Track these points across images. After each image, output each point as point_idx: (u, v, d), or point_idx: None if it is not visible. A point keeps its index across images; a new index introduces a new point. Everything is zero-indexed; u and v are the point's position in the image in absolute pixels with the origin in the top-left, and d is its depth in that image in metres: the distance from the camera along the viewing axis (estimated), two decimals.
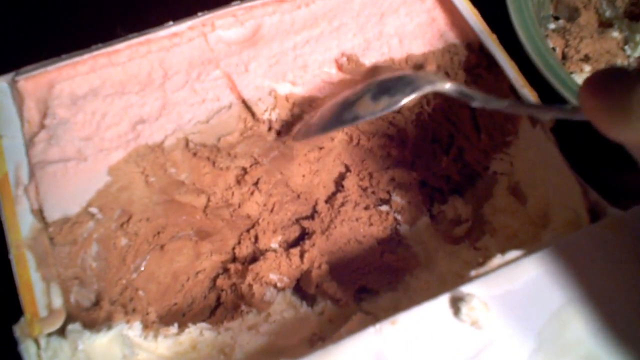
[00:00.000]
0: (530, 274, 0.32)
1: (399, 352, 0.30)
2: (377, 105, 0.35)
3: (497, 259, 0.33)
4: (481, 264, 0.33)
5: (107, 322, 0.34)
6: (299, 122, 0.40)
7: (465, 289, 0.31)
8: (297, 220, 0.47)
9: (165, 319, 0.42)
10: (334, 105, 0.38)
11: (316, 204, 0.47)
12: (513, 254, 0.33)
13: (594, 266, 0.32)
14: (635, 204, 0.34)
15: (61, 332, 0.32)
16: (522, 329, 0.30)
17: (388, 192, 0.47)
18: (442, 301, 0.31)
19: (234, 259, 0.45)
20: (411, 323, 0.31)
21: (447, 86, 0.35)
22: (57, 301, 0.33)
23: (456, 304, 0.31)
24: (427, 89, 0.35)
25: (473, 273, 0.33)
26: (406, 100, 0.35)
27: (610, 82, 0.24)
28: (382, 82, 0.37)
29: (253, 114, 0.39)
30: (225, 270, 0.45)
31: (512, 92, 0.40)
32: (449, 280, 0.41)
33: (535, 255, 0.32)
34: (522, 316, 0.31)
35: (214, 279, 0.45)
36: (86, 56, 0.40)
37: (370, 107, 0.35)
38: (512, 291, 0.31)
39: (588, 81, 0.25)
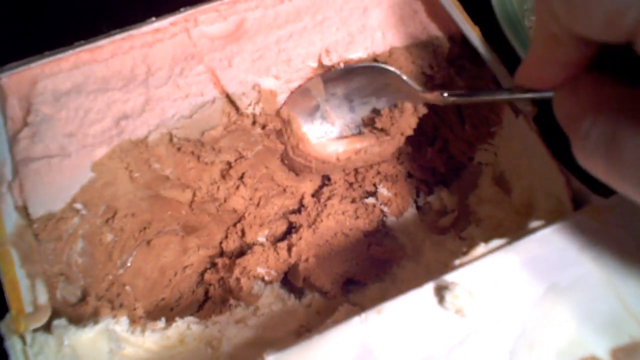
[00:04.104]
0: (514, 261, 0.32)
1: (385, 341, 0.30)
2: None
3: (481, 248, 0.33)
4: (465, 253, 0.33)
5: (93, 318, 0.34)
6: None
7: (450, 277, 0.32)
8: (284, 214, 0.47)
9: (153, 314, 0.42)
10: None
11: (303, 197, 0.47)
12: (496, 242, 0.33)
13: (577, 253, 0.32)
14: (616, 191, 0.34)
15: (47, 328, 0.32)
16: (506, 316, 0.30)
17: (374, 185, 0.47)
18: (427, 290, 0.31)
19: (221, 254, 0.46)
20: (396, 312, 0.31)
21: None
22: (43, 297, 0.33)
23: (440, 292, 0.31)
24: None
25: (457, 262, 0.33)
26: None
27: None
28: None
29: (237, 109, 0.39)
30: (213, 264, 0.45)
31: (495, 83, 0.41)
32: (435, 270, 0.41)
33: (518, 243, 0.33)
34: (507, 303, 0.31)
35: (202, 274, 0.45)
36: (69, 53, 0.40)
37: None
38: (496, 279, 0.32)
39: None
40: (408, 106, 0.40)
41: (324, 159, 0.43)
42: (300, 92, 0.41)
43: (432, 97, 0.38)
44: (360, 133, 0.43)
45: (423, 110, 0.41)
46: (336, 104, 0.42)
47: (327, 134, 0.43)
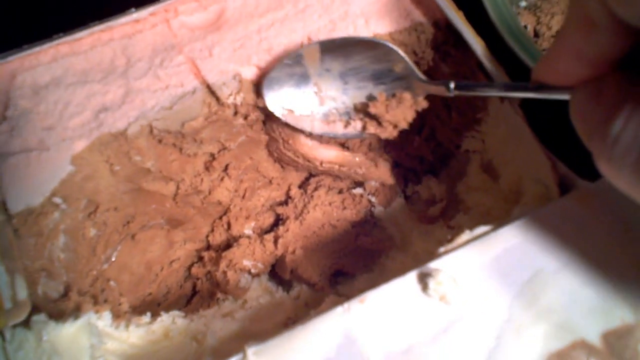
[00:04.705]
0: (499, 248, 0.32)
1: (368, 330, 0.29)
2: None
3: (466, 235, 0.33)
4: (450, 241, 0.33)
5: (75, 313, 0.34)
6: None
7: (434, 264, 0.31)
8: (271, 207, 0.47)
9: (140, 309, 0.41)
10: None
11: (289, 189, 0.47)
12: (481, 229, 0.33)
13: (563, 238, 0.32)
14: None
15: (27, 324, 0.32)
16: (492, 302, 0.30)
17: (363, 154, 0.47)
18: (410, 278, 0.31)
19: (208, 247, 0.45)
20: (380, 301, 0.30)
21: None
22: (22, 293, 0.32)
23: (424, 279, 0.31)
24: None
25: (442, 250, 0.33)
26: None
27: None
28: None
29: (217, 99, 0.38)
30: (200, 258, 0.45)
31: (480, 69, 0.40)
32: (423, 260, 0.41)
33: (503, 229, 0.32)
34: (492, 289, 0.30)
35: (189, 268, 0.45)
36: (48, 46, 0.40)
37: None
38: (482, 265, 0.31)
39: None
40: (407, 96, 0.38)
41: (309, 159, 0.43)
42: (292, 58, 0.38)
43: (437, 88, 0.36)
44: (349, 120, 0.41)
45: (423, 104, 0.38)
46: (329, 82, 0.40)
47: (311, 110, 0.40)
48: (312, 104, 0.40)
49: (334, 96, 0.40)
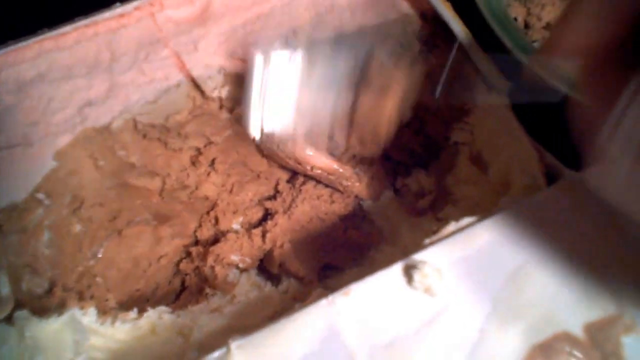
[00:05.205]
0: (484, 238, 0.31)
1: (352, 323, 0.29)
2: None
3: (451, 226, 0.33)
4: (435, 232, 0.33)
5: (59, 309, 0.34)
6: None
7: (419, 256, 0.31)
8: (260, 201, 0.46)
9: (127, 305, 0.41)
10: None
11: (277, 183, 0.46)
12: (467, 220, 0.33)
13: (549, 228, 0.32)
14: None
15: (9, 320, 0.32)
16: (476, 294, 0.30)
17: (350, 166, 0.46)
18: (395, 270, 0.31)
19: (196, 242, 0.45)
20: (364, 293, 0.30)
21: None
22: (5, 289, 0.32)
23: (409, 272, 0.30)
24: None
25: (427, 241, 0.32)
26: None
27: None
28: None
29: (202, 92, 0.38)
30: (188, 254, 0.44)
31: (468, 60, 0.40)
32: (411, 252, 0.41)
33: (488, 220, 0.32)
34: (477, 281, 0.30)
35: (178, 264, 0.44)
36: (32, 41, 0.39)
37: None
38: (467, 257, 0.31)
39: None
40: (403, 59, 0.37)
41: (301, 162, 0.43)
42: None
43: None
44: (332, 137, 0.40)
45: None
46: (319, 51, 0.37)
47: (297, 125, 0.39)
48: (296, 65, 0.38)
49: (324, 64, 0.38)
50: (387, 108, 0.37)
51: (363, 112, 0.38)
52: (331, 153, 0.43)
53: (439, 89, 0.35)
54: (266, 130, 0.38)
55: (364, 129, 0.38)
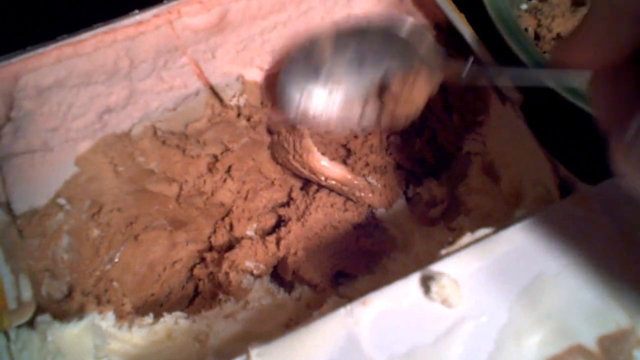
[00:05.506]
0: (500, 250, 0.32)
1: (370, 333, 0.30)
2: None
3: (467, 237, 0.33)
4: (451, 243, 0.33)
5: (78, 313, 0.34)
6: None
7: (436, 267, 0.31)
8: (273, 208, 0.47)
9: (142, 310, 0.41)
10: None
11: (291, 190, 0.47)
12: (483, 231, 0.33)
13: (563, 241, 0.32)
14: (603, 178, 0.34)
15: (31, 324, 0.32)
16: (492, 306, 0.30)
17: (363, 176, 0.47)
18: (413, 280, 0.31)
19: (210, 248, 0.45)
20: (382, 303, 0.30)
21: None
22: (27, 293, 0.33)
23: (426, 282, 0.31)
24: None
25: (443, 252, 0.33)
26: None
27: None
28: None
29: (221, 100, 0.38)
30: (202, 259, 0.45)
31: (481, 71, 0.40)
32: (424, 261, 0.41)
33: (504, 232, 0.32)
34: (493, 292, 0.31)
35: (192, 269, 0.45)
36: (51, 47, 0.40)
37: None
38: (483, 268, 0.31)
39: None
40: (424, 73, 0.36)
41: (315, 172, 0.43)
42: (305, 49, 0.37)
43: (455, 66, 0.35)
44: (364, 107, 0.40)
45: (439, 78, 0.36)
46: (344, 64, 0.38)
47: (331, 97, 0.39)
48: (327, 97, 0.39)
49: (349, 77, 0.39)
50: (419, 82, 0.38)
51: (395, 85, 0.38)
52: (362, 127, 0.42)
53: (466, 69, 0.34)
54: (302, 107, 0.38)
55: (396, 102, 0.38)
